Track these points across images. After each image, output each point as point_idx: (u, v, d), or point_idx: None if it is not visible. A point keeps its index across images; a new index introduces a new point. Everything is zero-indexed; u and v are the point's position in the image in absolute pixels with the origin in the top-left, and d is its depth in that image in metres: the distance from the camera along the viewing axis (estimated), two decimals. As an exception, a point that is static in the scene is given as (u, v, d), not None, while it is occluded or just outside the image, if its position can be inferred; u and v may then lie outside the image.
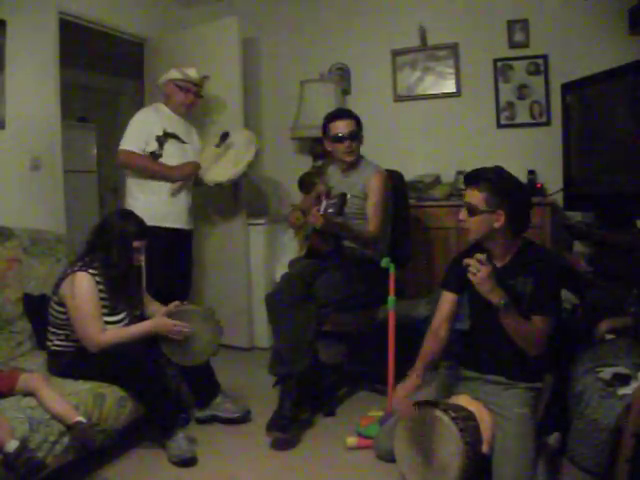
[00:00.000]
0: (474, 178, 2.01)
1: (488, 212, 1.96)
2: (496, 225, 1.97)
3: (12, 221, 2.83)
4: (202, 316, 2.47)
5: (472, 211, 1.98)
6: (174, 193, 3.13)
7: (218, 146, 3.32)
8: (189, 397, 2.65)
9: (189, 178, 3.20)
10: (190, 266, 3.44)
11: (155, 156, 3.09)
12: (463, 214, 2.02)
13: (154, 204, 3.07)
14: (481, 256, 1.91)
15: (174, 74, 3.19)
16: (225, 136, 3.30)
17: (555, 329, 1.97)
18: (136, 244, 2.37)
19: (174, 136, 3.17)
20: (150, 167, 3.08)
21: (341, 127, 2.76)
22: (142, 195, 3.11)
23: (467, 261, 1.91)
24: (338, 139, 2.77)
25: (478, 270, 1.87)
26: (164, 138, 3.11)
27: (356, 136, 2.78)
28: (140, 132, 3.07)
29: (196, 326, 2.42)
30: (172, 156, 3.13)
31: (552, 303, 2.00)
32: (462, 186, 2.34)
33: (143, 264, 2.56)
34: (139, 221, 2.44)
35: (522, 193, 2.06)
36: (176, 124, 3.22)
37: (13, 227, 2.77)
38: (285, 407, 2.42)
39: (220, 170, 3.28)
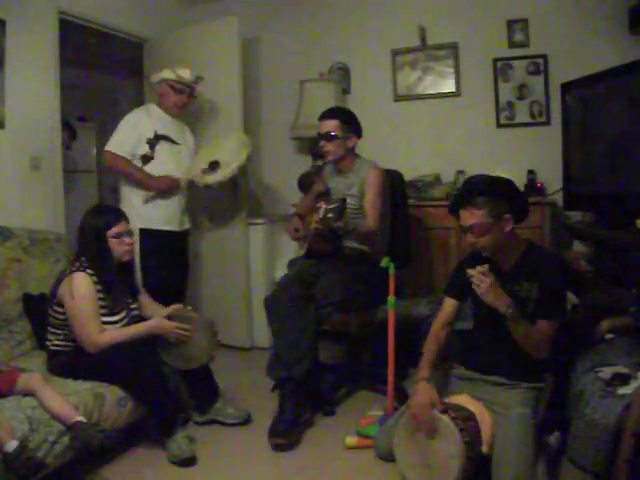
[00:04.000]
0: (467, 199, 1.97)
1: (496, 223, 1.94)
2: (507, 229, 1.97)
3: (12, 221, 2.83)
4: (201, 324, 2.47)
5: (481, 229, 1.94)
6: (146, 202, 3.10)
7: (204, 172, 3.25)
8: (188, 400, 2.64)
9: (165, 191, 3.14)
10: (186, 267, 3.43)
11: (147, 159, 3.07)
12: (470, 237, 1.98)
13: (146, 207, 3.07)
14: (482, 268, 1.90)
15: (167, 74, 3.16)
16: (214, 165, 3.25)
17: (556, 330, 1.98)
18: (114, 230, 2.35)
19: (166, 138, 3.15)
20: (129, 172, 3.07)
21: (321, 126, 2.79)
22: (135, 198, 3.10)
23: (470, 272, 1.90)
24: (318, 137, 2.80)
25: (481, 281, 1.87)
26: (155, 140, 3.10)
27: (331, 137, 2.75)
28: (128, 135, 3.05)
29: (194, 333, 2.42)
30: (165, 158, 3.12)
31: (558, 307, 2.00)
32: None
33: (137, 257, 2.64)
34: (109, 209, 2.47)
35: (510, 184, 2.05)
36: (168, 125, 3.20)
37: (13, 227, 2.77)
38: (286, 412, 2.41)
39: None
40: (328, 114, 2.83)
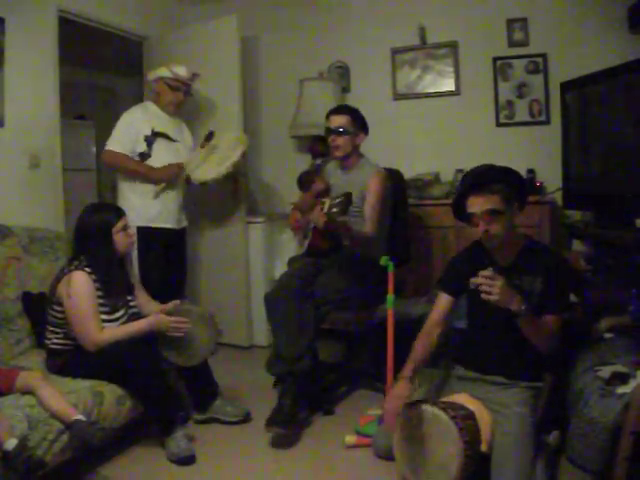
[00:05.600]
0: (481, 185, 1.94)
1: (508, 209, 1.94)
2: (515, 219, 1.98)
3: (11, 219, 2.82)
4: (200, 317, 2.47)
5: (496, 215, 1.91)
6: (157, 195, 3.10)
7: (203, 146, 3.27)
8: (188, 397, 2.64)
9: (172, 179, 3.14)
10: (184, 265, 3.43)
11: (144, 156, 3.07)
12: (483, 225, 1.93)
13: (144, 205, 3.07)
14: (487, 272, 1.81)
15: (163, 72, 3.15)
16: (210, 135, 3.25)
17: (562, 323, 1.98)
18: (120, 224, 2.37)
19: (163, 135, 3.14)
20: (133, 168, 3.06)
21: (332, 121, 2.78)
22: (132, 196, 3.10)
23: (475, 281, 1.81)
24: (328, 132, 2.79)
25: (491, 286, 1.78)
26: (152, 138, 3.09)
27: (344, 132, 2.76)
28: (127, 133, 3.04)
29: (194, 326, 2.42)
30: (162, 155, 3.11)
31: (563, 301, 2.01)
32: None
33: (135, 255, 2.72)
34: (108, 206, 2.53)
35: (518, 174, 2.06)
36: (165, 122, 3.19)
37: (12, 225, 2.76)
38: (285, 404, 2.42)
39: (206, 169, 3.24)
40: (339, 109, 2.85)
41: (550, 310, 1.95)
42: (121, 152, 3.01)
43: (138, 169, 3.06)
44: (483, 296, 1.79)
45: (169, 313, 2.40)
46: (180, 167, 3.17)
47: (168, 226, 3.18)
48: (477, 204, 1.93)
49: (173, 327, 2.36)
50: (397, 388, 2.02)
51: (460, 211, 2.05)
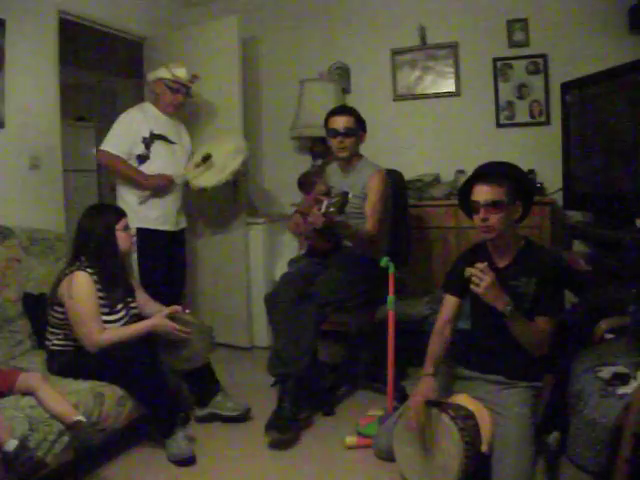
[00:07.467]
0: (494, 174, 2.00)
1: (510, 205, 1.96)
2: (515, 217, 2.00)
3: (11, 220, 2.82)
4: (198, 327, 2.48)
5: (498, 206, 1.94)
6: (143, 201, 3.09)
7: (198, 166, 3.23)
8: (189, 396, 2.65)
9: (159, 190, 3.12)
10: (183, 265, 3.43)
11: (142, 158, 3.06)
12: (483, 212, 1.96)
13: (142, 207, 3.07)
14: (482, 265, 1.88)
15: (163, 73, 3.14)
16: (207, 158, 3.22)
17: (555, 328, 1.98)
18: (122, 223, 2.40)
19: (162, 137, 3.13)
20: (123, 171, 3.05)
21: (337, 122, 2.76)
22: (131, 197, 3.09)
23: (469, 271, 1.89)
24: (333, 134, 2.77)
25: (481, 280, 1.85)
26: (150, 140, 3.08)
27: (350, 133, 2.75)
28: (123, 134, 3.03)
29: (192, 336, 2.42)
30: (160, 157, 3.10)
31: (556, 304, 2.01)
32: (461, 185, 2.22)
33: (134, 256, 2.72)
34: (110, 206, 2.57)
35: (529, 179, 2.08)
36: (164, 124, 3.18)
37: (12, 226, 2.76)
38: (284, 407, 2.42)
39: (205, 176, 3.23)
40: (343, 110, 2.83)
41: (542, 312, 1.96)
42: (114, 153, 3.00)
43: (128, 173, 3.05)
44: (471, 286, 1.88)
45: (171, 318, 2.40)
46: (169, 181, 3.14)
47: (166, 228, 3.17)
48: (481, 192, 1.98)
49: (175, 332, 2.36)
50: (422, 385, 1.99)
51: (465, 200, 2.08)
